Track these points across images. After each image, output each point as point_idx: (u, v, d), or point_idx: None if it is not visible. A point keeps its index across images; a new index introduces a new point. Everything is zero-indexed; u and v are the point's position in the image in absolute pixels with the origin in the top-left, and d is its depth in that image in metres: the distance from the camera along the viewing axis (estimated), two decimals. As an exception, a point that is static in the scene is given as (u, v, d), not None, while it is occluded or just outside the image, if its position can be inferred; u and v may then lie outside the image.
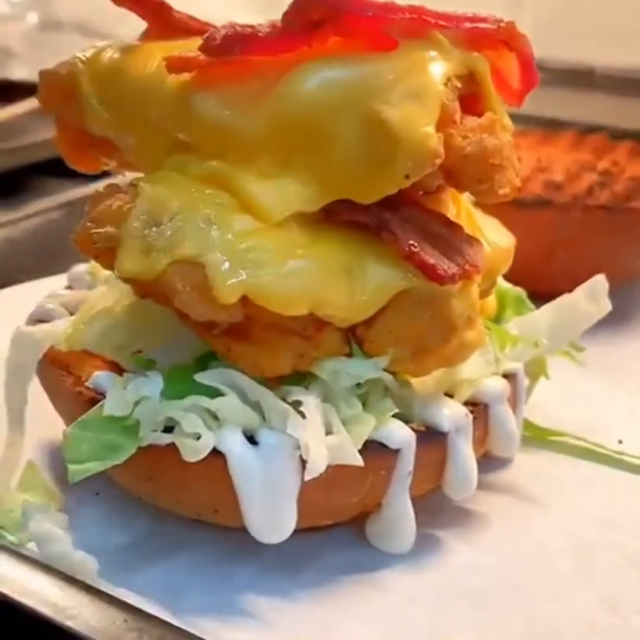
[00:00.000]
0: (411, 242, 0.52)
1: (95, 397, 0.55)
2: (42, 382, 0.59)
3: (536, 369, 0.67)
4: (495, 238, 0.62)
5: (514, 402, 0.61)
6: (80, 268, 0.69)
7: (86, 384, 0.56)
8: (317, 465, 0.49)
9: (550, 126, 1.35)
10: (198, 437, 0.51)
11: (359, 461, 0.51)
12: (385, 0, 0.52)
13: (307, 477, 0.50)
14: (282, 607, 0.52)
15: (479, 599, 0.53)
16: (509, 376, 0.61)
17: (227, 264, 0.51)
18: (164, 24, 0.58)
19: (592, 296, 0.63)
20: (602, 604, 0.53)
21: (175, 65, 0.52)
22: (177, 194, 0.53)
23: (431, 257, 0.52)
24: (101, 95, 0.56)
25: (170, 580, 0.53)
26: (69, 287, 0.68)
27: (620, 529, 0.59)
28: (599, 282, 0.63)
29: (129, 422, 0.52)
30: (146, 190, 0.53)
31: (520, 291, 0.68)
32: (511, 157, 0.55)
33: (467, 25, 0.54)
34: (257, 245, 0.51)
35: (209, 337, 0.54)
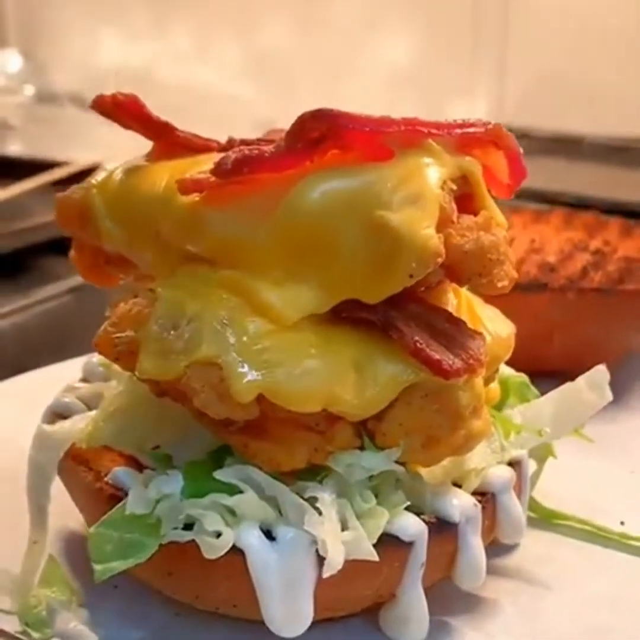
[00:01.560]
0: (417, 338, 0.54)
1: (115, 494, 0.57)
2: (62, 477, 0.61)
3: (543, 452, 0.69)
4: (495, 327, 0.64)
5: (519, 489, 0.63)
6: (94, 360, 0.71)
7: (106, 479, 0.58)
8: (336, 562, 0.51)
9: (540, 198, 1.40)
10: (218, 535, 0.52)
11: (374, 556, 0.53)
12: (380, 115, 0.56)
13: (325, 574, 0.51)
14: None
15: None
16: (514, 463, 0.63)
17: (243, 365, 0.53)
18: (169, 142, 0.61)
19: (593, 386, 0.65)
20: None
21: (186, 187, 0.54)
22: (193, 298, 0.55)
23: (436, 352, 0.54)
24: (114, 215, 0.59)
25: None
26: (84, 379, 0.70)
27: (627, 612, 0.61)
28: (601, 372, 0.65)
29: (151, 519, 0.54)
30: (163, 295, 0.56)
31: (523, 377, 0.70)
32: (507, 252, 0.58)
33: (457, 131, 0.58)
34: (271, 346, 0.54)
35: (226, 434, 0.56)
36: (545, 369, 0.88)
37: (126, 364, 0.56)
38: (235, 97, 2.28)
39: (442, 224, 0.55)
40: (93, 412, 0.63)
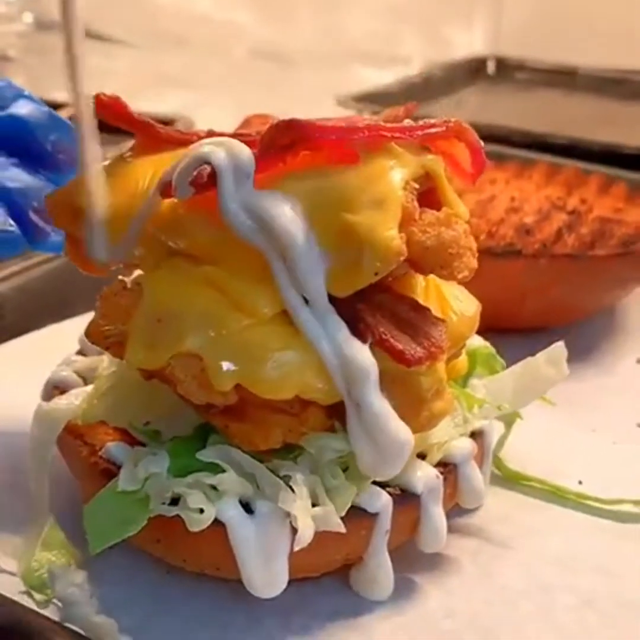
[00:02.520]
0: (382, 329, 0.59)
1: (108, 468, 0.63)
2: (61, 450, 0.67)
3: (511, 416, 0.74)
4: (461, 306, 0.69)
5: (481, 458, 0.69)
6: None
7: (100, 453, 0.64)
8: (305, 537, 0.57)
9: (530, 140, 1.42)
10: (201, 510, 0.58)
11: (341, 528, 0.59)
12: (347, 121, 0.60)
13: (296, 548, 0.57)
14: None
15: (450, 643, 0.61)
16: (476, 433, 0.69)
17: (222, 357, 0.58)
18: (151, 138, 0.65)
19: (552, 361, 0.69)
20: (557, 645, 0.61)
21: (168, 192, 0.58)
22: (176, 292, 0.60)
23: (400, 342, 0.59)
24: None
25: (182, 630, 0.61)
26: (80, 351, 0.75)
27: (576, 570, 0.67)
28: (559, 348, 0.70)
29: (140, 495, 0.59)
30: (148, 290, 0.60)
31: (489, 348, 0.75)
32: (468, 244, 0.62)
33: (419, 133, 0.62)
34: (248, 339, 0.59)
35: (208, 415, 0.61)
36: (517, 328, 0.94)
37: (116, 352, 0.61)
38: (233, 24, 2.29)
39: (405, 223, 0.59)
40: (88, 387, 0.68)
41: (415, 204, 0.60)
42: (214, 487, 0.59)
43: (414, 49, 2.09)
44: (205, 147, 0.58)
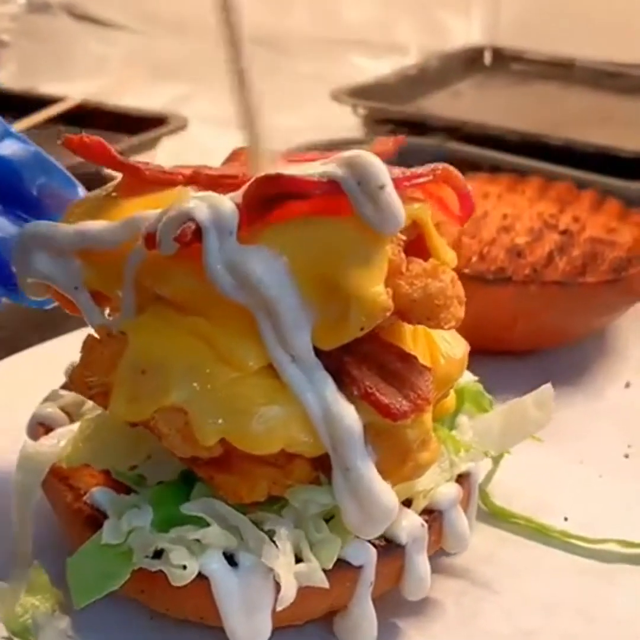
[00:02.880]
0: (367, 383, 0.59)
1: (93, 515, 0.63)
2: (46, 493, 0.67)
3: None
4: (449, 349, 0.68)
5: (467, 500, 0.69)
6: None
7: (84, 499, 0.64)
8: (288, 597, 0.57)
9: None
10: (184, 567, 0.58)
11: (325, 584, 0.59)
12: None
13: (279, 608, 0.57)
14: None
15: (432, 693, 0.61)
16: (463, 475, 0.69)
17: (207, 412, 0.58)
18: (138, 179, 0.64)
19: (539, 404, 0.69)
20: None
21: (151, 245, 0.58)
22: (161, 344, 0.59)
23: (385, 396, 0.59)
24: (83, 254, 0.62)
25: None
26: (66, 385, 0.75)
27: (558, 614, 0.67)
28: (546, 391, 0.70)
29: (123, 548, 0.59)
30: (133, 340, 0.60)
31: (478, 385, 0.75)
32: (455, 293, 0.62)
33: (407, 184, 0.61)
34: (233, 393, 0.58)
35: (193, 466, 0.61)
36: (508, 350, 0.94)
37: (100, 402, 0.61)
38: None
39: (392, 275, 0.59)
40: (74, 426, 0.68)
41: (402, 255, 0.60)
42: (197, 540, 0.59)
43: (410, 37, 2.07)
44: (190, 202, 0.58)
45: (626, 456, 0.84)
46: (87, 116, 1.52)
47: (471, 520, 0.69)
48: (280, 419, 0.58)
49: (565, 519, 0.75)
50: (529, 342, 0.94)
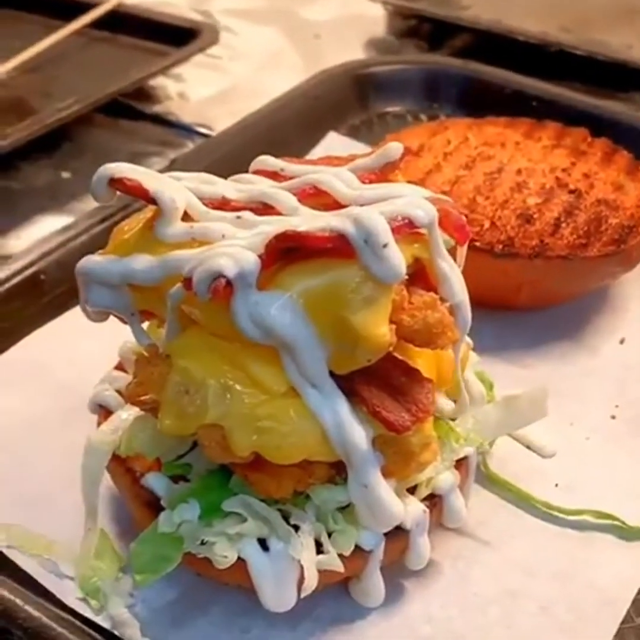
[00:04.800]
0: (375, 402, 0.70)
1: (149, 500, 0.75)
2: (111, 477, 0.79)
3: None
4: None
5: (464, 482, 0.80)
6: (128, 345, 0.86)
7: (141, 482, 0.76)
8: (310, 585, 0.70)
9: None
10: (225, 556, 0.71)
11: (341, 569, 0.72)
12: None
13: (302, 595, 0.70)
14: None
15: (427, 649, 0.75)
16: (462, 459, 0.80)
17: (241, 429, 0.69)
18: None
19: (532, 402, 0.80)
20: (515, 652, 0.75)
21: (189, 286, 0.67)
22: (201, 368, 0.70)
23: (391, 413, 0.70)
24: None
25: (207, 631, 0.75)
26: (119, 366, 0.85)
27: (538, 577, 0.79)
28: (540, 391, 0.80)
29: (176, 535, 0.72)
30: (176, 363, 0.70)
31: (482, 373, 0.86)
32: (450, 323, 0.71)
33: (407, 230, 0.69)
34: (263, 413, 0.69)
35: (231, 466, 0.73)
36: (514, 313, 1.03)
37: (153, 415, 0.72)
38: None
39: (395, 311, 0.69)
40: (129, 412, 0.79)
41: (404, 293, 0.69)
42: (237, 532, 0.71)
43: None
44: (220, 259, 0.66)
45: (613, 417, 0.94)
46: (119, 22, 1.56)
47: (468, 497, 0.81)
48: (302, 435, 0.69)
49: (556, 485, 0.86)
50: (532, 304, 1.03)
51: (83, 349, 0.95)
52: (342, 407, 0.69)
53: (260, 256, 0.67)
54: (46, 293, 1.02)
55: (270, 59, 1.61)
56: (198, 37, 1.48)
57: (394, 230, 0.67)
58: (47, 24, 1.56)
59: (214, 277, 0.66)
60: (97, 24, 1.55)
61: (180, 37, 1.50)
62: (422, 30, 1.73)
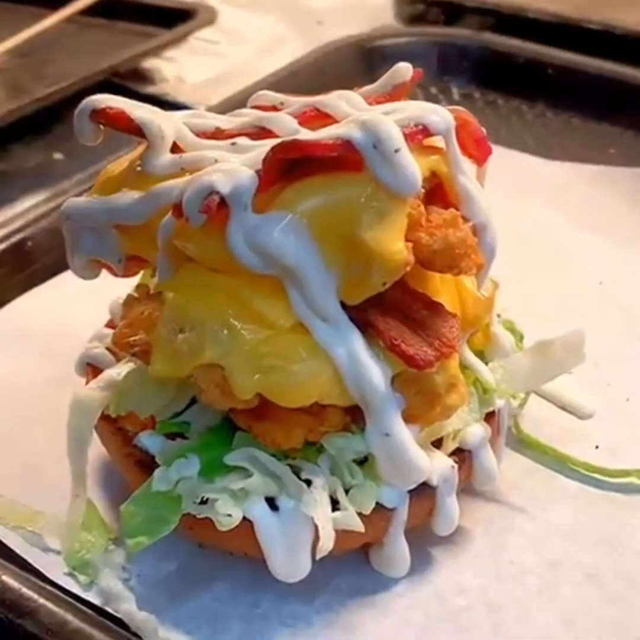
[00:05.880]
0: (393, 334, 0.62)
1: (142, 458, 0.67)
2: (99, 436, 0.71)
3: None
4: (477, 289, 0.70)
5: (495, 439, 0.72)
6: (119, 301, 0.78)
7: (133, 442, 0.68)
8: (326, 545, 0.62)
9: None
10: (229, 514, 0.62)
11: (361, 528, 0.63)
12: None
13: (318, 557, 0.62)
14: (299, 631, 0.65)
15: (461, 622, 0.66)
16: (491, 413, 0.72)
17: (243, 368, 0.61)
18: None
19: (568, 347, 0.71)
20: (559, 624, 0.66)
21: (179, 214, 0.60)
22: (195, 303, 0.62)
23: (411, 346, 0.62)
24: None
25: (211, 607, 0.66)
26: (110, 324, 0.78)
27: (581, 544, 0.71)
28: (577, 335, 0.71)
29: (173, 494, 0.63)
30: (169, 300, 0.62)
31: (510, 322, 0.77)
32: (474, 244, 0.63)
33: (420, 137, 0.62)
34: (267, 351, 0.61)
35: (233, 415, 0.65)
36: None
37: (143, 359, 0.64)
38: None
39: (412, 228, 0.61)
40: (120, 369, 0.71)
41: (421, 208, 0.62)
42: (241, 489, 0.63)
43: None
44: (211, 174, 0.59)
45: (652, 377, 0.86)
46: (114, 8, 1.50)
47: (500, 456, 0.73)
48: (312, 374, 0.61)
49: (597, 446, 0.78)
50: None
51: (72, 315, 0.87)
52: (357, 341, 0.61)
53: (257, 172, 0.60)
54: (34, 261, 0.95)
55: (270, 44, 1.55)
56: (194, 18, 1.42)
57: (407, 137, 0.60)
58: (39, 13, 1.51)
59: (205, 195, 0.58)
60: (91, 9, 1.49)
61: (176, 19, 1.44)
62: (430, 15, 1.67)
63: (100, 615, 0.64)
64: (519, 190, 1.08)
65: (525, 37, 1.36)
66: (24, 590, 0.62)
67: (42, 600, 0.62)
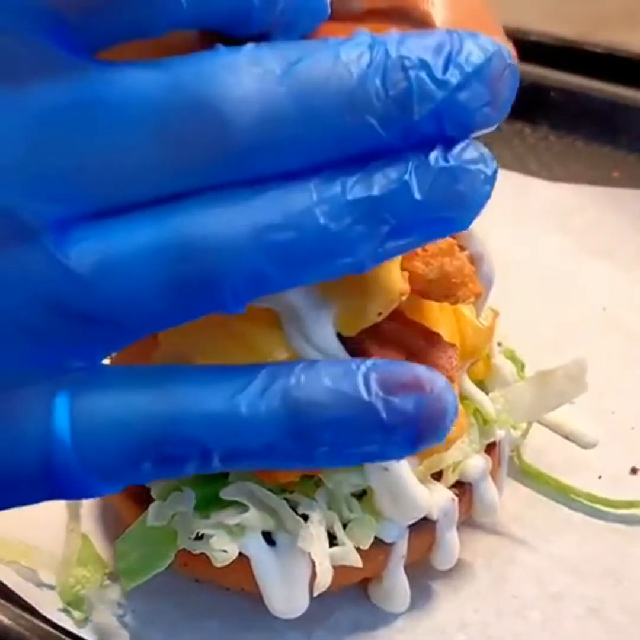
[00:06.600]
0: None
1: (136, 492, 0.66)
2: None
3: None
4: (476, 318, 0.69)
5: (496, 470, 0.71)
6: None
7: (129, 475, 0.67)
8: (324, 582, 0.60)
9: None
10: (225, 550, 0.61)
11: (359, 563, 0.62)
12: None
13: (315, 593, 0.61)
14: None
15: (462, 659, 0.65)
16: (492, 444, 0.71)
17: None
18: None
19: (570, 377, 0.70)
20: (563, 660, 0.65)
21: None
22: (190, 336, 0.60)
23: None
24: None
25: (207, 643, 0.65)
26: (107, 354, 0.77)
27: (585, 576, 0.70)
28: (579, 364, 0.70)
29: (168, 529, 0.62)
30: (162, 336, 0.62)
31: (511, 351, 0.76)
32: (471, 272, 0.62)
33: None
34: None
35: (231, 449, 0.64)
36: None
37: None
38: None
39: (407, 257, 0.60)
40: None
41: None
42: (237, 525, 0.62)
43: None
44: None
45: (659, 405, 0.85)
46: None
47: (501, 488, 0.71)
48: (309, 405, 0.60)
49: (600, 477, 0.77)
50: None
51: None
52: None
53: None
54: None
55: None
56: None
57: None
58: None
59: None
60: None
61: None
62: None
63: (94, 652, 0.63)
64: (521, 213, 1.07)
65: (527, 60, 1.34)
66: (16, 627, 0.61)
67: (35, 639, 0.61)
